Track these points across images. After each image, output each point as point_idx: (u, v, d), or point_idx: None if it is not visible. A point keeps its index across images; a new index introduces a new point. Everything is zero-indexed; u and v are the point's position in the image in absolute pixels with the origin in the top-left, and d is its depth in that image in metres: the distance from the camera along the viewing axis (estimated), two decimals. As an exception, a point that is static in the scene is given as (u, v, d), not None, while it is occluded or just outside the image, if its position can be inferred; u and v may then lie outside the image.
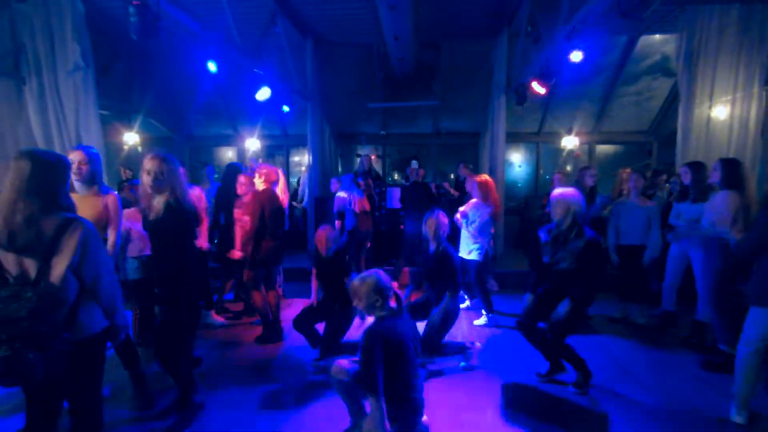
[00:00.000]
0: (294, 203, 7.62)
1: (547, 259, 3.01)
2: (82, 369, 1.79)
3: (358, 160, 7.16)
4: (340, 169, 9.39)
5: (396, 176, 9.73)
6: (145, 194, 2.54)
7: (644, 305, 4.40)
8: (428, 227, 3.55)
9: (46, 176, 1.72)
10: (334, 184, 6.04)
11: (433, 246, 3.57)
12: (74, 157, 2.52)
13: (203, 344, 3.84)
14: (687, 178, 3.75)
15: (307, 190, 7.22)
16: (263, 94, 4.95)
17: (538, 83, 5.02)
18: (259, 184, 3.69)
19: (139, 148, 8.26)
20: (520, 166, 9.16)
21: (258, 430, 2.63)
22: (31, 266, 1.65)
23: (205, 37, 4.25)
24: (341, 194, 5.55)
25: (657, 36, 6.72)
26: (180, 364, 2.64)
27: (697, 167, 3.77)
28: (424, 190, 5.84)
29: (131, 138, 7.96)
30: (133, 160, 7.92)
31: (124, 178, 6.79)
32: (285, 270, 5.50)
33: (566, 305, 2.85)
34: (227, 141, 9.56)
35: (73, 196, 1.98)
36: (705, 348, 3.67)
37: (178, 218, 2.50)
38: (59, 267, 1.66)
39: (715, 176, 3.39)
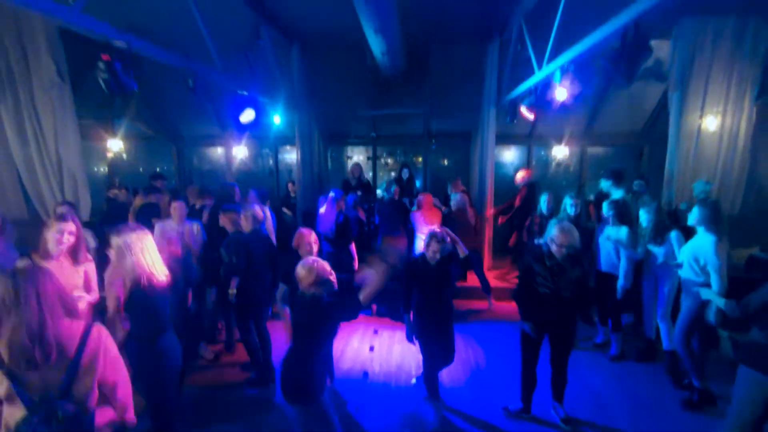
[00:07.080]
0: (284, 209, 7.53)
1: (546, 289, 3.00)
2: None
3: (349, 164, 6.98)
4: (330, 166, 9.25)
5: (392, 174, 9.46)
6: None
7: (618, 333, 4.34)
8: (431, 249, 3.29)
9: None
10: (321, 203, 5.82)
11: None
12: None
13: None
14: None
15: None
16: (247, 116, 4.77)
17: (527, 110, 4.91)
18: (246, 225, 3.64)
19: (124, 155, 8.03)
20: (513, 167, 9.01)
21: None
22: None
23: (188, 70, 4.03)
24: (323, 211, 5.38)
25: (651, 41, 6.54)
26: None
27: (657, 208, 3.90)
28: (400, 207, 5.73)
29: (116, 145, 7.72)
30: (119, 168, 7.73)
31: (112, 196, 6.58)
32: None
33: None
34: (214, 141, 9.32)
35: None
36: (682, 384, 3.70)
37: None
38: None
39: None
